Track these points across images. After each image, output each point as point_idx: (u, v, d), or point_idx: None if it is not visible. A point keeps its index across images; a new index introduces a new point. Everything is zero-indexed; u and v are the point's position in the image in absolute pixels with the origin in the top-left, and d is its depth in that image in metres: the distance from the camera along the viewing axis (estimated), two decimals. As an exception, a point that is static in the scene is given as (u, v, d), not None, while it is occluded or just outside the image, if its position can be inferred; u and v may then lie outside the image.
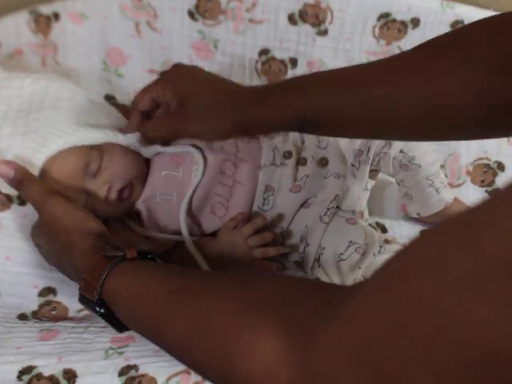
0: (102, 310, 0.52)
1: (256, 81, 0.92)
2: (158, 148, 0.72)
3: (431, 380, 0.26)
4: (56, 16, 0.85)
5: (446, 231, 0.27)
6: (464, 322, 0.24)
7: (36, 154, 0.66)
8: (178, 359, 0.45)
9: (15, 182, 0.64)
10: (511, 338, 0.22)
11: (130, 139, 0.71)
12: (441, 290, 0.25)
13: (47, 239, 0.63)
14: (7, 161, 0.66)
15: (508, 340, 0.22)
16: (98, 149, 0.69)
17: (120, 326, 0.53)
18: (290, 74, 0.91)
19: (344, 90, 0.55)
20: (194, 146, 0.73)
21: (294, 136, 0.78)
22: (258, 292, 0.41)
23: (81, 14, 0.86)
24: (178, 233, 0.71)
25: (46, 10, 0.84)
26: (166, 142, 0.73)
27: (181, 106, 0.63)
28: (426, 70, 0.51)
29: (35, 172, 0.66)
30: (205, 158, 0.73)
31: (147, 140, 0.70)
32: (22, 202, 0.72)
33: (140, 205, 0.74)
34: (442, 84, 0.50)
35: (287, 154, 0.76)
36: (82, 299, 0.54)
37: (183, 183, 0.72)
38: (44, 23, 0.85)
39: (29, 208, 0.71)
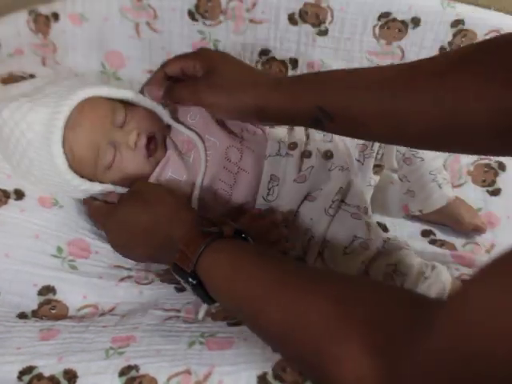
0: (195, 282, 0.55)
1: (256, 81, 0.92)
2: (169, 120, 0.75)
3: None
4: (55, 16, 0.85)
5: None
6: None
7: (63, 103, 0.68)
8: (270, 346, 0.48)
9: None
10: None
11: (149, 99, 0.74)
12: None
13: (132, 215, 0.63)
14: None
15: None
16: (122, 103, 0.73)
17: (208, 299, 0.56)
18: (291, 74, 0.91)
19: (364, 88, 0.55)
20: (198, 134, 0.75)
21: (299, 130, 0.78)
22: (352, 298, 0.42)
23: (80, 15, 0.85)
24: None
25: (45, 9, 0.84)
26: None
27: (207, 75, 0.64)
28: (448, 81, 0.50)
29: (63, 122, 0.68)
30: (205, 146, 0.74)
31: (168, 98, 0.70)
32: (18, 196, 0.72)
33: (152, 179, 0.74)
34: (461, 98, 0.49)
35: (292, 145, 0.76)
36: (176, 269, 0.57)
37: (193, 168, 0.73)
38: (43, 23, 0.84)
39: (26, 202, 0.71)
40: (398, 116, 0.52)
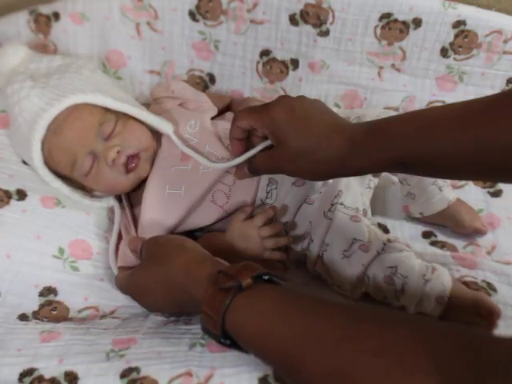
0: (228, 342, 0.51)
1: (257, 82, 0.92)
2: (171, 135, 0.75)
3: None
4: (56, 16, 0.84)
5: None
6: None
7: (53, 103, 0.69)
8: None
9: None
10: None
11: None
12: None
13: (151, 278, 0.62)
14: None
15: None
16: (114, 114, 0.72)
17: (247, 353, 0.52)
18: (291, 75, 0.91)
19: (439, 132, 0.52)
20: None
21: None
22: (400, 345, 0.39)
23: (81, 15, 0.85)
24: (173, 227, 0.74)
25: (45, 9, 0.84)
26: None
27: (278, 145, 0.61)
28: None
29: (47, 122, 0.69)
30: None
31: (254, 175, 0.69)
32: (21, 197, 0.72)
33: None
34: None
35: None
36: (205, 330, 0.53)
37: (192, 175, 0.74)
38: (44, 23, 0.84)
39: (28, 203, 0.71)
40: (485, 157, 0.50)
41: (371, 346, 0.39)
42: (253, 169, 0.67)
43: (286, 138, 0.60)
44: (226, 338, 0.51)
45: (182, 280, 0.57)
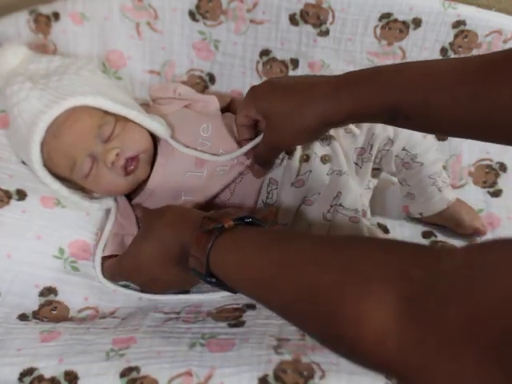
0: (214, 280, 0.55)
1: (257, 82, 0.92)
2: (169, 139, 0.75)
3: None
4: (56, 16, 0.84)
5: None
6: None
7: (52, 106, 0.69)
8: (287, 321, 0.47)
9: None
10: None
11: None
12: None
13: (144, 249, 0.64)
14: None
15: None
16: (114, 116, 0.72)
17: (233, 291, 0.58)
18: (291, 75, 0.91)
19: (438, 84, 0.52)
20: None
21: None
22: (361, 260, 0.41)
23: (81, 15, 0.85)
24: None
25: (45, 9, 0.84)
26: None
27: (267, 120, 0.64)
28: None
29: (47, 124, 0.69)
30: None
31: (264, 166, 0.73)
32: (20, 197, 0.72)
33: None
34: None
35: (291, 149, 0.76)
36: (194, 272, 0.57)
37: (208, 182, 0.74)
38: (44, 23, 0.84)
39: (28, 203, 0.71)
40: (482, 116, 0.50)
41: (334, 264, 0.42)
42: (258, 159, 0.69)
43: (270, 107, 0.63)
44: (212, 277, 0.55)
45: (171, 233, 0.61)
